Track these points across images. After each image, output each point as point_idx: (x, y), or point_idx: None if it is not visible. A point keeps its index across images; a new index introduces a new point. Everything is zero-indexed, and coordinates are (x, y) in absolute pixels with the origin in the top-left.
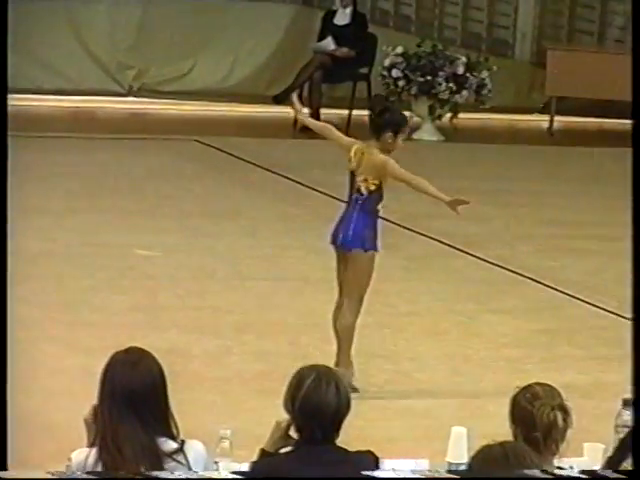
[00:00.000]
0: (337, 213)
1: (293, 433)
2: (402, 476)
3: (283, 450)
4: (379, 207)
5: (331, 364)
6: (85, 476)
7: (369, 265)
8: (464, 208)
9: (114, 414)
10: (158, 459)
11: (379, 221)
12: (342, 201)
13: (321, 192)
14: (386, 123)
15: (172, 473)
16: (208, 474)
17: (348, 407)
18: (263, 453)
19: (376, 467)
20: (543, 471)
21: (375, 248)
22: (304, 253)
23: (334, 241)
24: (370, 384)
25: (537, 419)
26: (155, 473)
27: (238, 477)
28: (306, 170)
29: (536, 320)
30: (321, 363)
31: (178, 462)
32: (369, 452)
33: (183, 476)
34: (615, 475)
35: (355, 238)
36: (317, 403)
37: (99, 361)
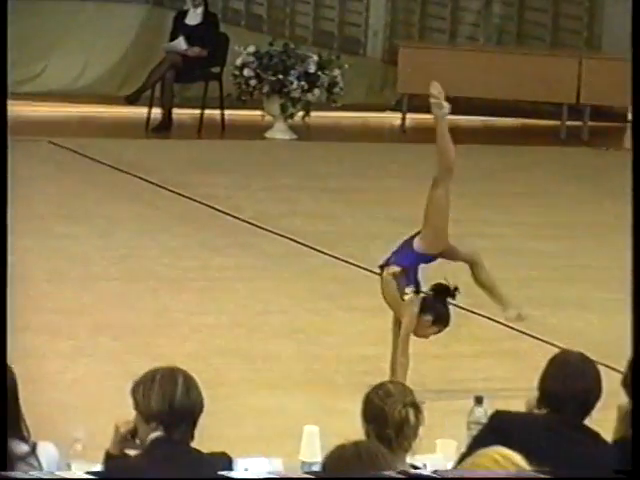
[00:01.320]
0: (190, 212)
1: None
2: (257, 476)
3: (129, 451)
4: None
5: (185, 364)
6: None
7: None
8: None
9: None
10: (10, 462)
11: None
12: (194, 200)
13: (174, 192)
14: (431, 308)
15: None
16: (62, 474)
17: (201, 410)
18: (108, 456)
19: (230, 468)
20: (400, 472)
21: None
22: (158, 253)
23: None
24: (223, 384)
25: (389, 416)
26: (11, 474)
27: (92, 477)
28: (159, 170)
29: (390, 318)
30: (175, 363)
31: (30, 465)
32: (223, 453)
33: (36, 476)
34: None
35: None
36: (192, 404)
37: None
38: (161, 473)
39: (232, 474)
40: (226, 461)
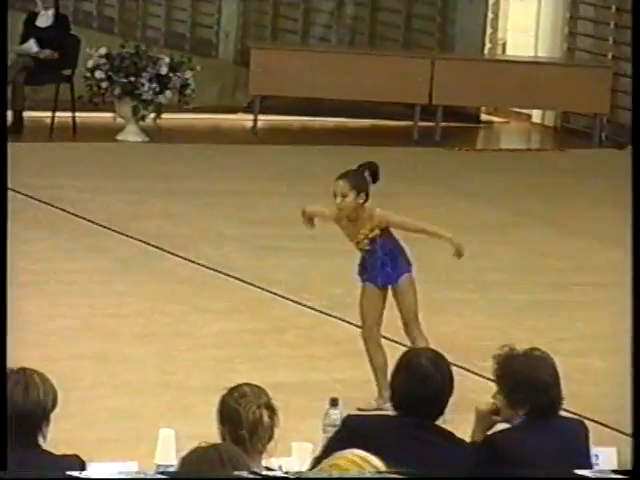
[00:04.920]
0: (41, 215)
1: None
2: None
3: None
4: None
5: (38, 368)
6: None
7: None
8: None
9: None
10: None
11: None
12: (46, 203)
13: (25, 195)
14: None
15: None
16: None
17: (44, 411)
18: None
19: (82, 471)
20: (252, 472)
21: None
22: (9, 257)
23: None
24: (77, 387)
25: (243, 417)
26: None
27: None
28: (10, 173)
29: (244, 320)
30: (27, 366)
31: None
32: (75, 456)
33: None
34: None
35: None
36: (31, 405)
37: None
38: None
39: (84, 474)
40: (78, 464)
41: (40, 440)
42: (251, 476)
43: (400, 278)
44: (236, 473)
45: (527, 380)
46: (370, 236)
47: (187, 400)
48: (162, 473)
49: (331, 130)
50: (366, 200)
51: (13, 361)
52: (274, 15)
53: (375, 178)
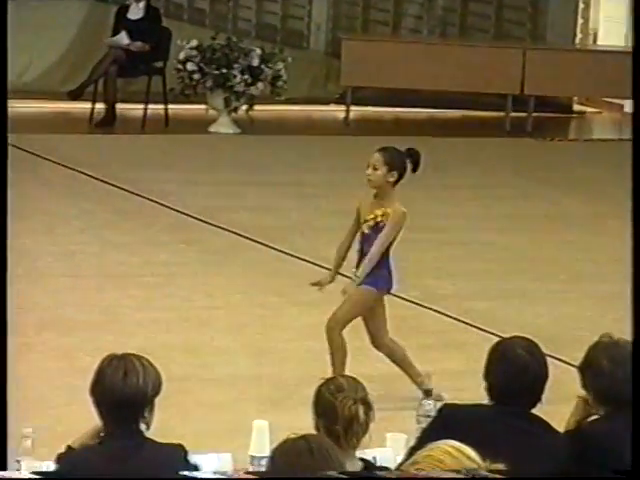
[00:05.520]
0: (134, 207)
1: None
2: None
3: None
4: None
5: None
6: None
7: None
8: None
9: None
10: None
11: None
12: (139, 195)
13: (118, 187)
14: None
15: None
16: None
17: (144, 397)
18: (69, 450)
19: (185, 460)
20: (343, 473)
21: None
22: (103, 249)
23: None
24: (171, 378)
25: (339, 412)
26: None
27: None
28: (103, 165)
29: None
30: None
31: None
32: (179, 445)
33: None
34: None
35: None
36: (131, 391)
37: None
38: (111, 466)
39: (195, 474)
40: (182, 454)
41: (142, 427)
42: (340, 476)
43: (361, 285)
44: (324, 473)
45: (587, 366)
46: (377, 220)
47: (281, 392)
48: (257, 467)
49: (423, 121)
50: (397, 181)
51: (103, 353)
52: (365, 6)
53: (415, 167)
